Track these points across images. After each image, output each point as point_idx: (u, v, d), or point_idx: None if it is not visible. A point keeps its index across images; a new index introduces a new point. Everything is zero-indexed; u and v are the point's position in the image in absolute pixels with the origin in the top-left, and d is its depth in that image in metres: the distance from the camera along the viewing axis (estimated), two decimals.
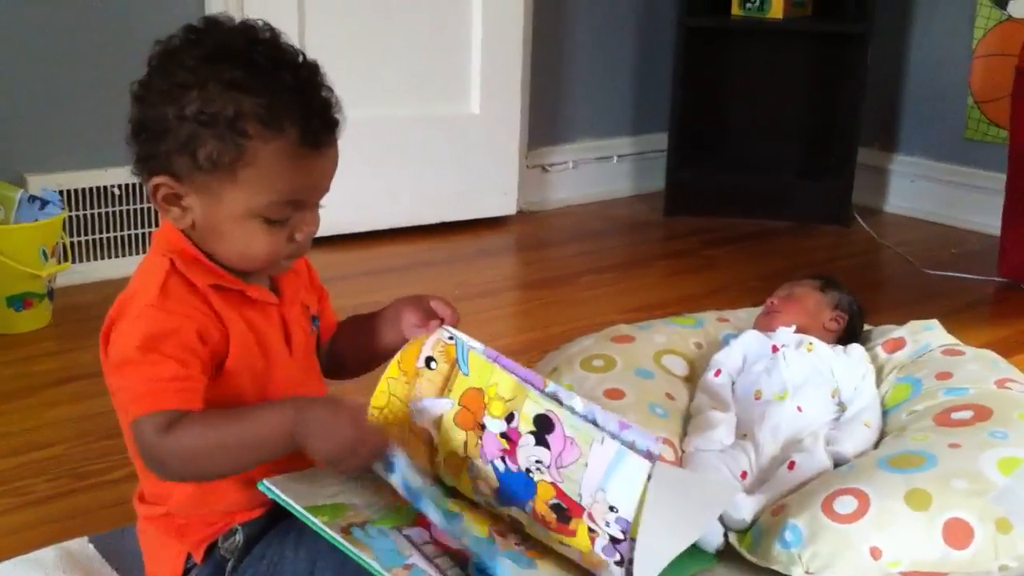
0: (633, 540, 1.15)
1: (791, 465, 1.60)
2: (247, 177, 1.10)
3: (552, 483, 1.17)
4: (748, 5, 3.31)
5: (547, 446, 1.17)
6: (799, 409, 1.72)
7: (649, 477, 1.13)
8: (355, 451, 1.11)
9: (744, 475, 1.62)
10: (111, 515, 1.57)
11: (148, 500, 1.24)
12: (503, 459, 1.19)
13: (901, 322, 2.02)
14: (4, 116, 2.46)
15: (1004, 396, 1.70)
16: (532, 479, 1.18)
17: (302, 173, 1.12)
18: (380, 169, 2.95)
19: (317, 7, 2.82)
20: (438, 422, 1.22)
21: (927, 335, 1.94)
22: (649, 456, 1.15)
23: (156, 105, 1.11)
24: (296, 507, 1.12)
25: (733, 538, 1.50)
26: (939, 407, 1.69)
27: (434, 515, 1.16)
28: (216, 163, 1.09)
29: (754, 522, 1.51)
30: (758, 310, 2.05)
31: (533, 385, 1.21)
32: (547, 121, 3.42)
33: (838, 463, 1.62)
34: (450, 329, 1.26)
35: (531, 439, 1.18)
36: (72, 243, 2.50)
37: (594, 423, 1.18)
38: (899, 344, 1.94)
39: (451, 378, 1.23)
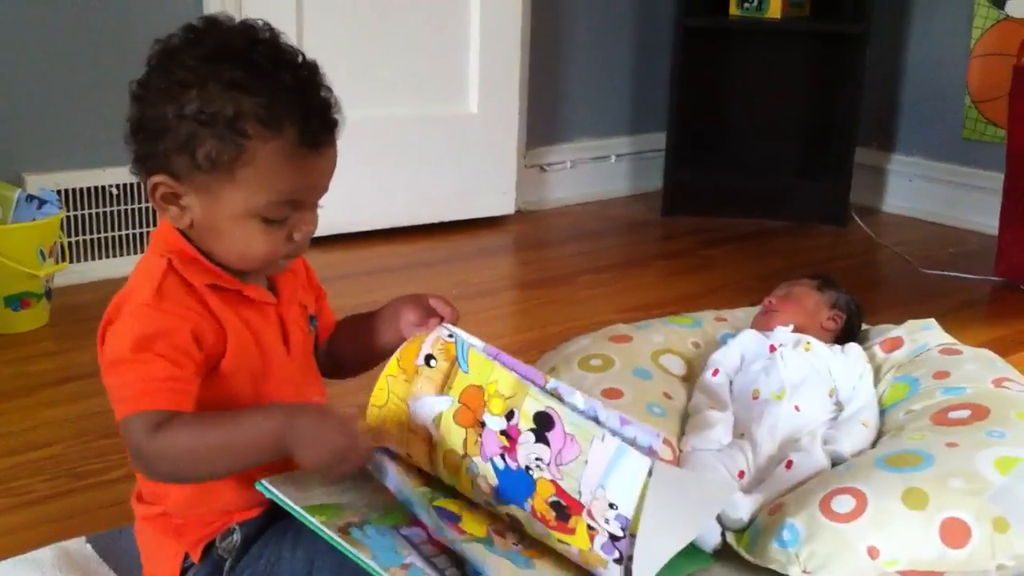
0: (633, 537, 1.14)
1: (789, 464, 1.60)
2: (246, 177, 1.10)
3: (552, 480, 1.17)
4: (746, 5, 3.32)
5: (547, 443, 1.17)
6: (797, 408, 1.72)
7: (650, 473, 1.13)
8: (344, 459, 1.10)
9: (742, 474, 1.62)
10: (109, 515, 1.57)
11: (146, 500, 1.24)
12: (503, 456, 1.19)
13: (899, 321, 2.02)
14: (2, 116, 2.46)
15: (1001, 395, 1.70)
16: (531, 476, 1.18)
17: (301, 173, 1.12)
18: (378, 169, 2.95)
19: (316, 7, 2.82)
20: (437, 420, 1.22)
21: (925, 334, 1.94)
22: (651, 452, 1.15)
23: (155, 104, 1.11)
24: (294, 507, 1.12)
25: (731, 537, 1.50)
26: (936, 406, 1.69)
27: (428, 521, 1.16)
28: (215, 162, 1.10)
29: (751, 521, 1.51)
30: (756, 310, 2.05)
31: (534, 382, 1.21)
32: (545, 121, 3.42)
33: (835, 462, 1.62)
34: (450, 327, 1.26)
35: (531, 436, 1.18)
36: (70, 243, 2.50)
37: (595, 419, 1.18)
38: (897, 343, 1.94)
39: (451, 376, 1.23)
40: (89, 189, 2.55)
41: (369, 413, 1.26)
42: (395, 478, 1.19)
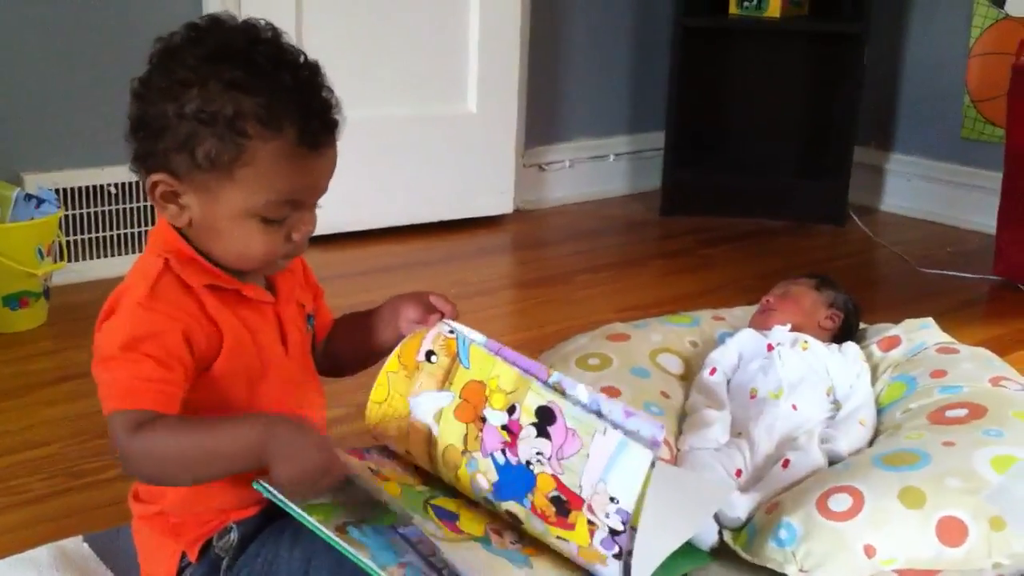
0: (633, 530, 1.14)
1: (786, 463, 1.60)
2: (245, 176, 1.10)
3: (552, 475, 1.17)
4: (746, 4, 3.31)
5: (548, 438, 1.17)
6: (794, 407, 1.72)
7: (652, 464, 1.13)
8: (317, 479, 1.09)
9: (739, 473, 1.62)
10: (106, 514, 1.57)
11: (143, 499, 1.24)
12: (503, 451, 1.19)
13: (896, 321, 2.02)
14: (1, 115, 2.46)
15: (998, 394, 1.71)
16: (532, 471, 1.18)
17: (300, 173, 1.12)
18: (377, 168, 2.95)
19: (315, 6, 2.82)
20: (438, 416, 1.22)
21: (922, 334, 1.95)
22: (654, 443, 1.15)
23: (156, 102, 1.11)
24: (291, 506, 1.12)
25: (728, 536, 1.50)
26: (934, 405, 1.69)
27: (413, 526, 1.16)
28: (214, 162, 1.10)
29: (749, 520, 1.51)
30: (754, 309, 2.05)
31: (536, 376, 1.21)
32: (544, 120, 3.42)
33: (833, 461, 1.63)
34: (450, 323, 1.26)
35: (532, 431, 1.18)
36: (68, 242, 2.50)
37: (598, 412, 1.18)
38: (894, 342, 1.94)
39: (452, 371, 1.23)
40: (87, 188, 2.55)
41: (369, 410, 1.26)
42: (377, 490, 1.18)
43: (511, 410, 1.19)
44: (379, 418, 1.25)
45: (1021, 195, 2.70)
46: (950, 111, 3.35)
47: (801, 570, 1.42)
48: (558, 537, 1.20)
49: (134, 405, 1.07)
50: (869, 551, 1.40)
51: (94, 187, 2.56)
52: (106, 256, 2.60)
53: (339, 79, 1.18)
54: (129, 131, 1.14)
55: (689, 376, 1.90)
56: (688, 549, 1.37)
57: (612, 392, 1.75)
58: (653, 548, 1.18)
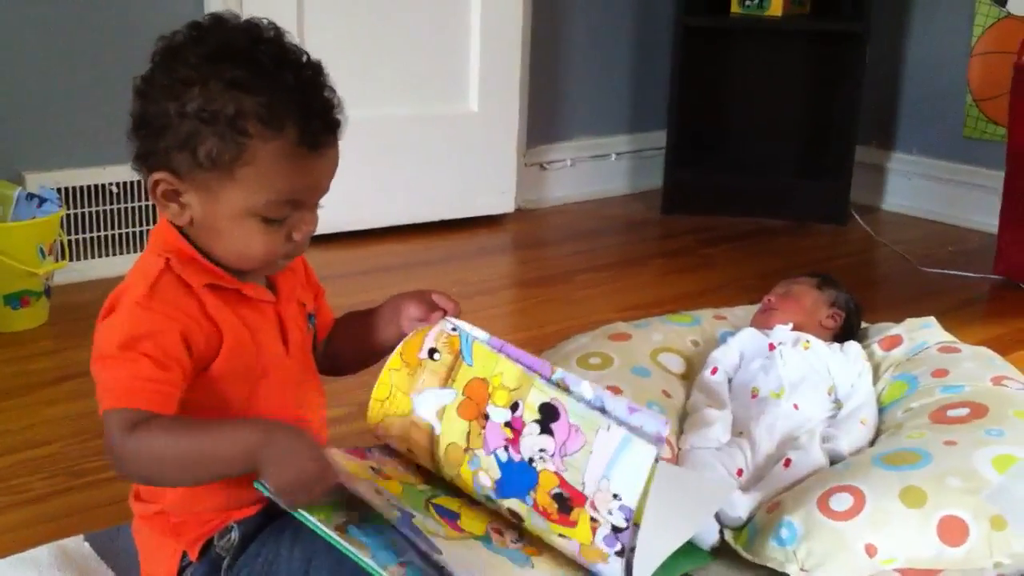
0: (636, 527, 1.14)
1: (787, 463, 1.60)
2: (246, 176, 1.10)
3: (555, 472, 1.16)
4: (747, 3, 3.31)
5: (551, 434, 1.17)
6: (795, 407, 1.72)
7: (656, 460, 1.13)
8: (310, 487, 1.08)
9: (740, 472, 1.62)
10: (107, 513, 1.57)
11: (144, 498, 1.24)
12: (506, 449, 1.18)
13: (898, 320, 2.02)
14: (2, 114, 2.46)
15: (1000, 394, 1.70)
16: (535, 468, 1.18)
17: (301, 173, 1.12)
18: (378, 167, 2.95)
19: (316, 6, 2.82)
20: (441, 413, 1.22)
21: (924, 333, 1.95)
22: (658, 439, 1.14)
23: (158, 100, 1.11)
24: None
25: (729, 535, 1.50)
26: (935, 405, 1.69)
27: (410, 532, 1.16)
28: (215, 161, 1.10)
29: (750, 519, 1.51)
30: (755, 308, 2.05)
31: (540, 373, 1.21)
32: (545, 119, 3.42)
33: (834, 460, 1.62)
34: (453, 320, 1.26)
35: (536, 428, 1.18)
36: (70, 241, 2.50)
37: (602, 409, 1.18)
38: (896, 342, 1.94)
39: (455, 369, 1.23)
40: (89, 187, 2.55)
41: (371, 408, 1.26)
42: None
43: (514, 407, 1.19)
44: (381, 416, 1.25)
45: (1023, 194, 2.70)
46: (952, 110, 3.35)
47: (802, 569, 1.42)
48: (560, 535, 1.19)
49: (130, 404, 1.07)
50: (870, 550, 1.40)
51: (96, 186, 2.56)
52: (107, 255, 2.60)
53: (340, 78, 1.18)
54: (131, 129, 1.14)
55: (690, 375, 1.90)
56: (689, 548, 1.37)
57: (613, 391, 1.74)
58: (654, 547, 1.18)
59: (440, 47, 3.05)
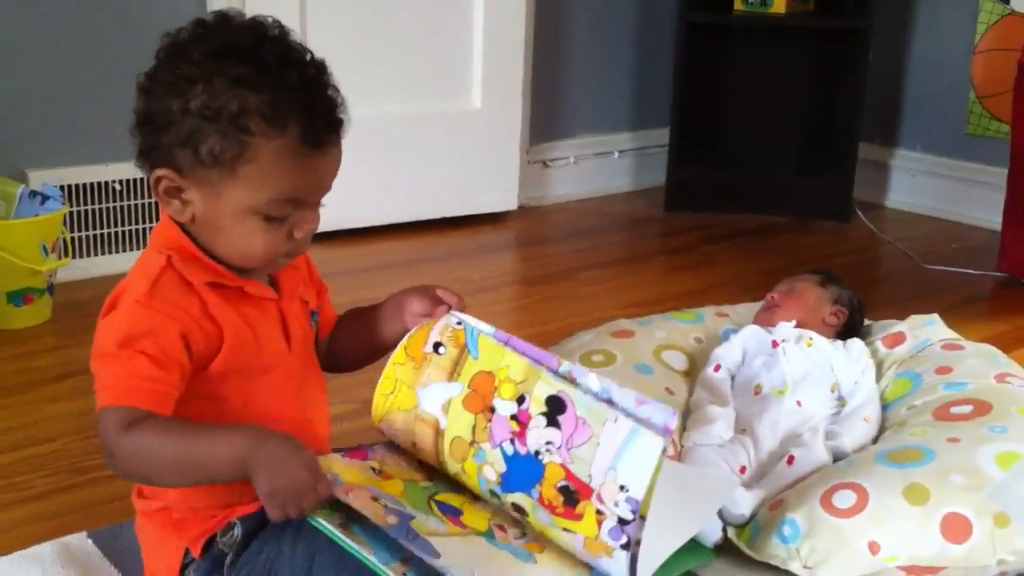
0: (642, 519, 1.14)
1: (790, 460, 1.60)
2: (248, 174, 1.10)
3: (562, 464, 1.16)
4: (750, 0, 3.31)
5: (558, 427, 1.17)
6: (798, 404, 1.72)
7: (664, 451, 1.13)
8: (301, 496, 1.08)
9: (743, 470, 1.62)
10: (110, 510, 1.57)
11: (146, 495, 1.24)
12: (512, 442, 1.18)
13: (901, 317, 2.02)
14: (5, 111, 2.46)
15: (1003, 391, 1.70)
16: (541, 461, 1.17)
17: (303, 172, 1.12)
18: (381, 165, 2.95)
19: (319, 4, 2.82)
20: (446, 406, 1.21)
21: (927, 330, 1.94)
22: (666, 431, 1.14)
23: (161, 97, 1.11)
24: None
25: (732, 533, 1.50)
26: (938, 402, 1.69)
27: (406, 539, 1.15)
28: (218, 158, 1.10)
29: (752, 516, 1.51)
30: (758, 305, 2.05)
31: (547, 365, 1.20)
32: (548, 117, 3.42)
33: (837, 458, 1.62)
34: (458, 314, 1.26)
35: (542, 420, 1.17)
36: (73, 238, 2.50)
37: (609, 401, 1.17)
38: (899, 339, 1.94)
39: (460, 362, 1.22)
40: (92, 185, 2.55)
41: (375, 403, 1.25)
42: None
43: (520, 400, 1.19)
44: (386, 410, 1.25)
45: None
46: (955, 107, 3.34)
47: (805, 567, 1.42)
48: (564, 529, 1.19)
49: (126, 402, 1.07)
50: (873, 548, 1.40)
51: (98, 184, 2.56)
52: (110, 252, 2.60)
53: (343, 76, 1.18)
54: (134, 125, 1.14)
55: (693, 372, 1.90)
56: (692, 545, 1.37)
57: None
58: (658, 544, 1.18)
59: (443, 44, 3.05)
